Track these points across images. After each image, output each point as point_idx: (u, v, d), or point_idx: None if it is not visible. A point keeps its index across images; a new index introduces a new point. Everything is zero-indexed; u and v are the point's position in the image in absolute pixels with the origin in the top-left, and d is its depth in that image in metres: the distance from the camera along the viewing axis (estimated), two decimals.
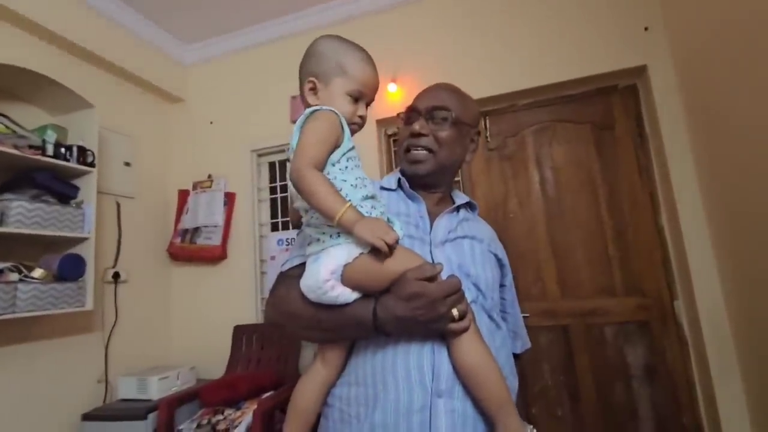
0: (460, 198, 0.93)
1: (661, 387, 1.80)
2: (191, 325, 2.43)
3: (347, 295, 0.67)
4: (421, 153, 0.86)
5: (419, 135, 0.86)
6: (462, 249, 0.82)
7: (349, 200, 0.66)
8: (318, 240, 0.70)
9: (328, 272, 0.66)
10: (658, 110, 1.81)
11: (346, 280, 0.67)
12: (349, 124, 0.75)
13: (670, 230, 1.83)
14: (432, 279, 0.65)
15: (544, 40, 1.98)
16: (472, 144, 0.93)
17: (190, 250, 2.41)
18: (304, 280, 0.69)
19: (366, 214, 0.67)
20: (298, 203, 0.72)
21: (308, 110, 0.72)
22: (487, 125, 2.15)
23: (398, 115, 0.95)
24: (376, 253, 0.65)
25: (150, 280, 2.37)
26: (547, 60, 1.96)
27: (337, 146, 0.70)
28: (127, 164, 2.29)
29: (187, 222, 2.44)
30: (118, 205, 2.20)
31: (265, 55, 2.49)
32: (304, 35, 2.39)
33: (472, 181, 2.12)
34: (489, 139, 2.14)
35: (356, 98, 0.75)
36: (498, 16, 2.06)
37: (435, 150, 0.86)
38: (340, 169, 0.70)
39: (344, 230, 0.64)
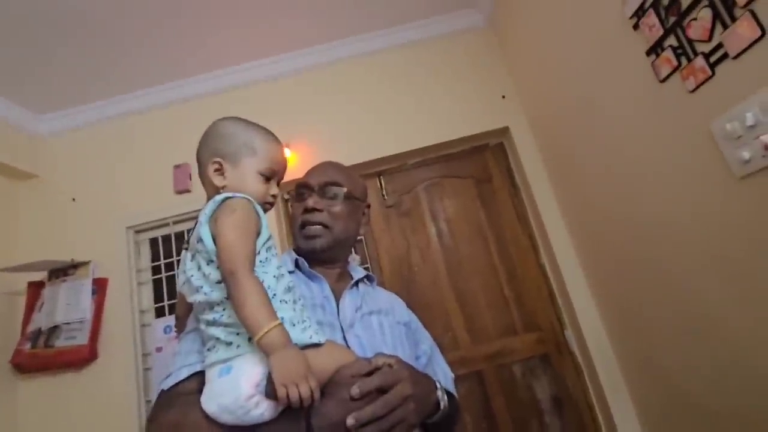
0: (358, 272, 0.93)
1: (568, 416, 1.91)
2: None
3: (272, 410, 0.57)
4: (317, 228, 0.85)
5: (313, 210, 0.85)
6: (372, 328, 0.80)
7: (280, 318, 0.58)
8: (228, 344, 0.59)
9: (252, 386, 0.55)
10: (523, 164, 2.09)
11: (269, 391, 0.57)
12: (263, 203, 0.72)
13: (551, 268, 2.06)
14: (368, 376, 0.61)
15: (423, 107, 2.19)
16: (364, 217, 0.95)
17: (45, 356, 1.94)
18: (216, 399, 0.57)
19: (291, 312, 0.62)
20: (199, 297, 0.62)
21: (218, 198, 0.66)
22: (383, 184, 2.24)
23: (289, 192, 0.92)
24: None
25: None
26: (427, 123, 2.17)
27: (257, 236, 0.65)
28: None
29: (41, 321, 1.98)
30: None
31: (142, 124, 2.29)
32: (188, 102, 2.28)
33: (375, 238, 2.15)
34: (386, 197, 2.22)
35: (268, 177, 0.73)
36: (382, 84, 2.24)
37: (330, 225, 0.85)
38: (260, 261, 0.64)
39: (261, 349, 0.56)
